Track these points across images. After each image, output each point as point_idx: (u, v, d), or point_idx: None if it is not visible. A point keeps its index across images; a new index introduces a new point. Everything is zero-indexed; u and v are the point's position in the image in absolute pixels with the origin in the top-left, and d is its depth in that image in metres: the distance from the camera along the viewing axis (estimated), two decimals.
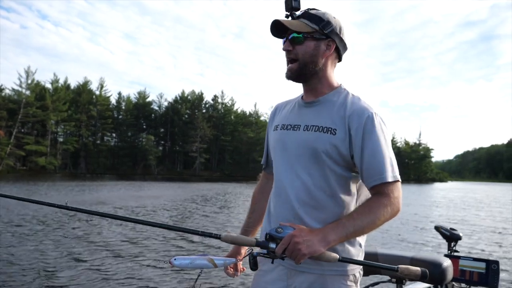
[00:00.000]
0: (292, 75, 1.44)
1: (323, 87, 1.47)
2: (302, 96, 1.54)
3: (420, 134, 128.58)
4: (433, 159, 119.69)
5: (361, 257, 1.45)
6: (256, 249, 1.31)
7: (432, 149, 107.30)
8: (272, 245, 1.22)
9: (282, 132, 1.50)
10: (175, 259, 1.23)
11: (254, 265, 1.32)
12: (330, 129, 1.37)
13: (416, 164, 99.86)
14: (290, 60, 1.43)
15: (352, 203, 1.42)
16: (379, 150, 1.34)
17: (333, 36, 1.42)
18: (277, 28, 1.41)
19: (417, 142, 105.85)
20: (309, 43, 1.40)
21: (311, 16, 1.41)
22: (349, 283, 1.40)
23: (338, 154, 1.36)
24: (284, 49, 1.43)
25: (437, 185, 71.57)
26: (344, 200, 1.41)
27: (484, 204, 22.79)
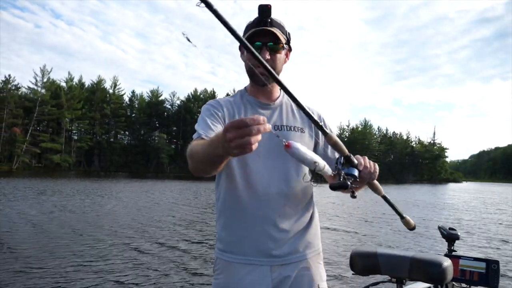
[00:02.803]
0: (266, 79, 1.42)
1: (276, 90, 1.60)
2: (247, 96, 1.57)
3: (434, 134, 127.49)
4: (448, 159, 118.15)
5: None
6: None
7: (446, 149, 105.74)
8: (355, 162, 1.21)
9: None
10: (294, 143, 1.03)
11: (342, 187, 1.19)
12: (299, 128, 1.54)
13: (430, 164, 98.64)
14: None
15: (311, 192, 1.57)
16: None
17: (290, 45, 1.54)
18: (253, 34, 1.42)
19: (431, 141, 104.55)
20: (282, 53, 1.48)
21: (279, 25, 1.46)
22: (320, 261, 1.56)
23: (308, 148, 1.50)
24: (265, 58, 1.41)
25: (451, 185, 70.72)
26: (311, 189, 1.56)
27: (493, 205, 22.42)
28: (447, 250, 2.32)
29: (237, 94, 1.60)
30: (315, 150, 1.56)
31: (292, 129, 1.52)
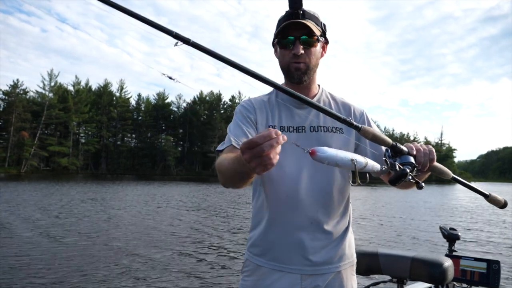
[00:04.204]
0: (301, 76, 1.39)
1: (314, 87, 1.49)
2: (282, 95, 1.45)
3: (441, 134, 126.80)
4: (456, 159, 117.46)
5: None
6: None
7: (454, 149, 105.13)
8: (405, 149, 1.10)
9: (284, 135, 1.40)
10: (319, 149, 0.93)
11: (402, 176, 1.05)
12: (337, 128, 1.42)
13: None
14: (298, 62, 1.37)
15: (347, 197, 1.47)
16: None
17: (326, 37, 1.44)
18: (284, 29, 1.35)
19: (439, 141, 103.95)
20: (318, 46, 1.38)
21: (313, 16, 1.37)
22: (353, 272, 1.47)
23: (347, 150, 1.38)
24: (297, 53, 1.34)
25: (459, 186, 70.02)
26: (348, 193, 1.46)
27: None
28: (447, 250, 2.32)
29: (273, 92, 1.50)
30: (359, 149, 1.43)
31: (330, 130, 1.41)
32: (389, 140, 1.08)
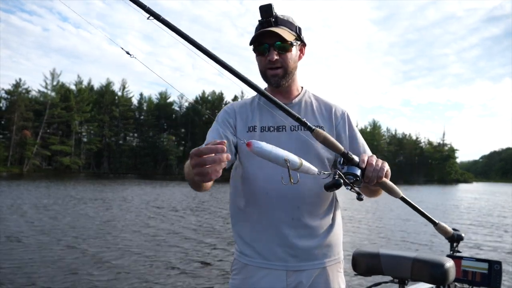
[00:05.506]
0: (279, 81, 1.44)
1: (294, 89, 1.54)
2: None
3: (444, 134, 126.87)
4: (458, 160, 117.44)
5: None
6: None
7: (457, 150, 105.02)
8: (355, 159, 1.11)
9: (265, 134, 1.45)
10: (255, 142, 0.95)
11: (334, 186, 1.05)
12: (320, 127, 1.44)
13: (440, 165, 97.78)
14: (274, 68, 1.42)
15: (332, 195, 1.49)
16: (361, 137, 1.53)
17: (303, 39, 1.49)
18: (259, 36, 1.39)
19: (441, 142, 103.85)
20: (293, 50, 1.43)
21: (286, 22, 1.42)
22: (340, 269, 1.49)
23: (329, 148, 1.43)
24: (271, 60, 1.39)
25: (461, 186, 69.99)
26: (333, 192, 1.48)
27: (502, 206, 22.13)
28: (449, 251, 2.31)
29: (256, 95, 1.54)
30: None
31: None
32: (341, 147, 1.10)
